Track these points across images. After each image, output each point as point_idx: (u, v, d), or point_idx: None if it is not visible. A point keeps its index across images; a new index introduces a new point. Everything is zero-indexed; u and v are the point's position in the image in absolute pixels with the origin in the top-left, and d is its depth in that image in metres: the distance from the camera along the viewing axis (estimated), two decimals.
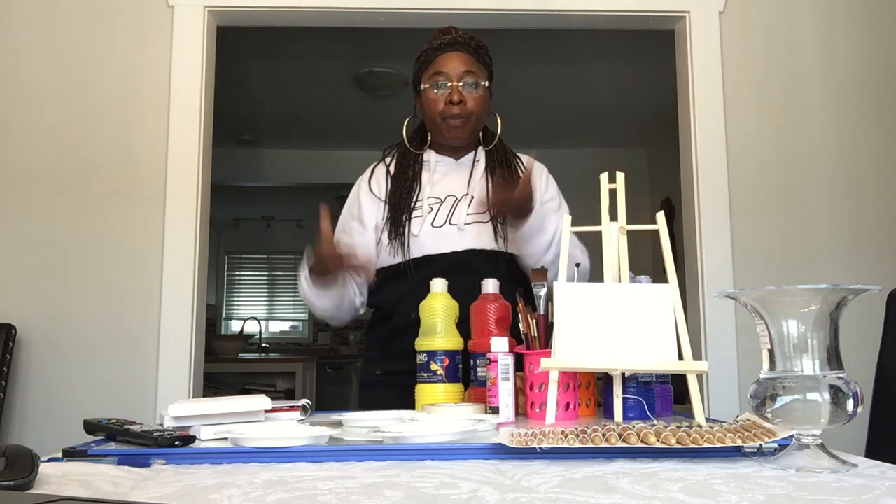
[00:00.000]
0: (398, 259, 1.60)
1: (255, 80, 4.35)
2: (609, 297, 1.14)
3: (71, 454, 0.86)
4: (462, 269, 1.51)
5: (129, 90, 2.50)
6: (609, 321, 1.12)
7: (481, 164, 1.68)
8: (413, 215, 1.61)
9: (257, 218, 7.56)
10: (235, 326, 7.42)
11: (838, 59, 2.63)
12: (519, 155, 1.74)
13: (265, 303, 7.71)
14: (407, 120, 1.71)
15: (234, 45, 3.34)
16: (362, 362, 1.78)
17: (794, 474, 0.75)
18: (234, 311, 7.65)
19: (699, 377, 1.12)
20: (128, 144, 2.48)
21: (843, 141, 2.59)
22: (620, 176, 1.25)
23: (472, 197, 1.63)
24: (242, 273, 7.78)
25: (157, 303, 2.41)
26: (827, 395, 0.79)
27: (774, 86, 2.61)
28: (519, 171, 1.69)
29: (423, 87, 1.63)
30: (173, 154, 2.47)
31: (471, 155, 1.69)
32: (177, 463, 0.85)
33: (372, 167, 1.73)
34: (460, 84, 1.60)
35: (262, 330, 7.05)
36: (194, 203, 2.45)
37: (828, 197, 2.57)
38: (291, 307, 7.73)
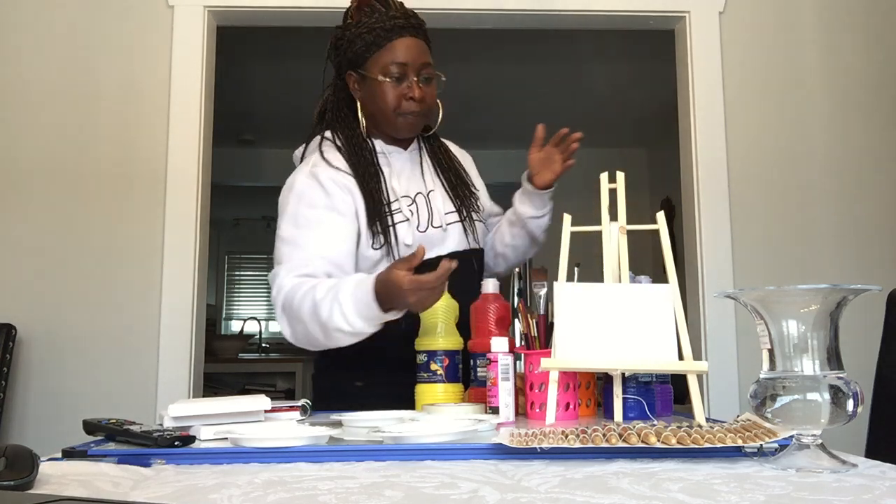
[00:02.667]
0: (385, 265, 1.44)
1: (255, 80, 4.35)
2: (609, 297, 1.14)
3: (71, 454, 0.86)
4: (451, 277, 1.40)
5: (129, 90, 2.50)
6: (609, 321, 1.12)
7: (425, 154, 1.62)
8: (396, 220, 1.49)
9: (257, 218, 7.56)
10: (235, 326, 7.42)
11: (838, 59, 2.63)
12: (445, 141, 1.70)
13: (265, 303, 7.71)
14: (359, 104, 1.54)
15: (234, 45, 3.35)
16: (323, 367, 1.62)
17: (794, 474, 0.75)
18: (234, 311, 7.65)
19: (699, 377, 1.12)
20: (128, 144, 2.48)
21: (843, 141, 2.59)
22: (620, 176, 1.25)
23: (436, 192, 1.57)
24: (242, 273, 7.78)
25: (157, 303, 2.41)
26: (827, 395, 0.79)
27: (774, 86, 2.61)
28: (455, 158, 1.67)
29: (377, 77, 1.48)
30: (173, 154, 2.47)
31: (415, 144, 1.61)
32: (177, 463, 0.85)
33: (322, 154, 1.53)
34: (418, 79, 1.48)
35: (262, 330, 7.05)
36: (194, 203, 2.45)
37: (828, 197, 2.57)
38: None
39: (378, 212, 1.48)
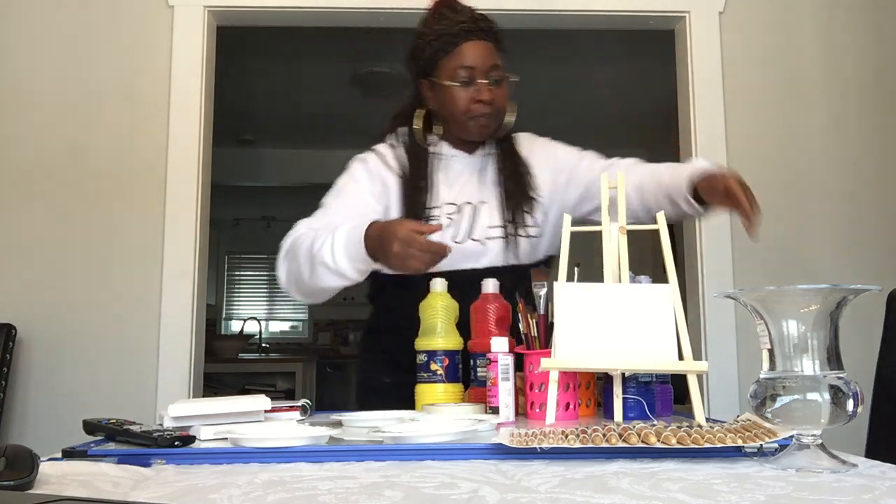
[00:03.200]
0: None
1: (255, 80, 4.35)
2: (609, 297, 1.14)
3: (71, 454, 0.86)
4: (479, 288, 1.39)
5: (129, 90, 2.50)
6: (609, 321, 1.12)
7: (493, 159, 1.59)
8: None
9: (257, 218, 7.57)
10: (235, 326, 7.43)
11: (838, 59, 2.63)
12: (518, 136, 1.64)
13: (265, 303, 7.72)
14: (420, 112, 1.56)
15: (234, 45, 3.34)
16: (362, 362, 1.72)
17: (795, 474, 0.75)
18: (234, 311, 7.66)
19: (699, 377, 1.12)
20: (128, 144, 2.48)
21: (843, 141, 2.59)
22: (621, 176, 1.25)
23: (489, 204, 1.54)
24: (242, 273, 7.79)
25: (157, 303, 2.41)
26: (827, 395, 0.79)
27: (774, 85, 2.61)
28: (523, 163, 1.59)
29: (444, 82, 1.49)
30: (173, 154, 2.47)
31: (483, 149, 1.59)
32: (177, 463, 0.85)
33: (377, 150, 1.60)
34: (487, 81, 1.49)
35: (262, 330, 7.06)
36: (194, 203, 2.45)
37: (828, 197, 2.57)
38: (291, 307, 7.73)
39: (414, 216, 1.50)
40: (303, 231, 1.46)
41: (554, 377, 1.11)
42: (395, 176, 1.55)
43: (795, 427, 0.80)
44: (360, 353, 1.75)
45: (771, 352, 0.83)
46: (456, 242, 1.50)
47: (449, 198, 1.54)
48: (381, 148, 1.60)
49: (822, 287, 0.81)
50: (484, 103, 1.49)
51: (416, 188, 1.53)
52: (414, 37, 1.57)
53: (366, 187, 1.55)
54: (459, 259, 1.48)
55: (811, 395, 0.79)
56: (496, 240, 1.53)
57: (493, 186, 1.57)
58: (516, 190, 1.56)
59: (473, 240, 1.52)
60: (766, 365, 0.84)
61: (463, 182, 1.56)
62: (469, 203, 1.55)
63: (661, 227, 1.20)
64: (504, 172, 1.58)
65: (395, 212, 1.53)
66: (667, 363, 1.09)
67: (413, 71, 1.59)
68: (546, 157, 1.64)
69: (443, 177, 1.56)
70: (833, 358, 0.81)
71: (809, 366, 0.81)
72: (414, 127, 1.57)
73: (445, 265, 1.42)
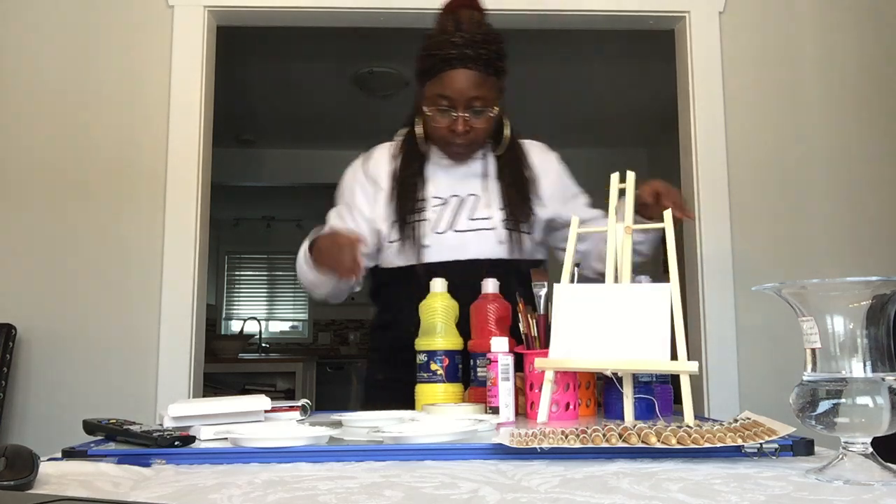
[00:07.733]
0: (401, 263, 1.56)
1: (255, 80, 4.35)
2: (607, 298, 1.14)
3: (71, 454, 0.86)
4: (464, 280, 1.39)
5: (130, 90, 2.50)
6: (605, 321, 1.12)
7: (490, 164, 1.60)
8: (421, 217, 1.54)
9: (257, 218, 7.57)
10: (235, 326, 7.43)
11: (838, 59, 2.63)
12: (524, 141, 1.67)
13: (265, 303, 7.72)
14: (418, 118, 1.58)
15: (234, 45, 3.35)
16: (367, 361, 1.76)
17: (794, 474, 0.75)
18: (234, 311, 7.66)
19: (697, 377, 1.12)
20: (128, 144, 2.48)
21: (842, 140, 2.59)
22: (631, 175, 1.24)
23: (478, 197, 1.56)
24: (242, 273, 7.79)
25: (157, 303, 2.41)
26: (882, 399, 0.72)
27: (774, 85, 2.61)
28: (528, 168, 1.61)
29: (425, 108, 1.51)
30: (173, 154, 2.47)
31: (477, 156, 1.60)
32: (177, 463, 0.85)
33: (373, 151, 1.65)
34: (466, 114, 1.48)
35: (262, 330, 7.05)
36: (194, 203, 2.45)
37: (828, 197, 2.57)
38: (291, 307, 7.73)
39: (399, 212, 1.56)
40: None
41: (549, 377, 1.11)
42: (387, 173, 1.60)
43: (845, 435, 0.74)
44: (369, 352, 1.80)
45: (814, 351, 0.76)
46: (437, 233, 1.54)
47: (435, 192, 1.57)
48: (378, 149, 1.65)
49: (871, 279, 0.73)
50: (458, 134, 1.49)
51: (408, 184, 1.56)
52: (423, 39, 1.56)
53: (357, 191, 1.62)
54: (442, 251, 1.53)
55: (862, 399, 0.72)
56: (479, 232, 1.54)
57: (488, 182, 1.59)
58: (515, 183, 1.58)
59: (456, 231, 1.54)
60: (808, 366, 0.77)
61: (452, 180, 1.58)
62: (456, 196, 1.57)
63: (668, 225, 1.20)
64: (504, 170, 1.60)
65: (383, 202, 1.58)
66: (657, 363, 1.08)
67: (417, 82, 1.58)
68: (550, 169, 1.66)
69: (431, 171, 1.59)
70: (886, 358, 0.74)
71: (859, 367, 0.74)
72: (416, 132, 1.58)
73: (430, 257, 1.52)
